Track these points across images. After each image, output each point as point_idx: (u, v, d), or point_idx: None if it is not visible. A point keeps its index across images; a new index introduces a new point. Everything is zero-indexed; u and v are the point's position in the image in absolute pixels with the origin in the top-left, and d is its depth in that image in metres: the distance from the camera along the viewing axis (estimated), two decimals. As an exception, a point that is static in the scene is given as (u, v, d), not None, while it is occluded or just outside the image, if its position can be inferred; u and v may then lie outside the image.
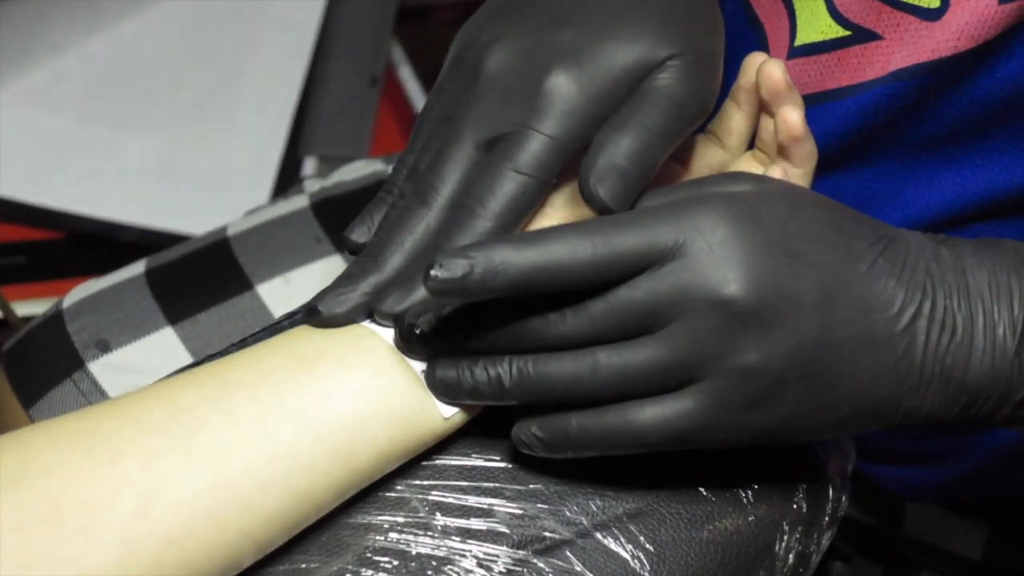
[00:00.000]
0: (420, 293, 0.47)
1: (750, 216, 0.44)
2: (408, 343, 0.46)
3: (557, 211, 0.51)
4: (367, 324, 0.48)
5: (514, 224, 0.48)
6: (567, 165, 0.49)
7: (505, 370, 0.45)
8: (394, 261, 0.49)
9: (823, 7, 0.57)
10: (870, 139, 0.58)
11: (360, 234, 0.51)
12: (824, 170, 0.59)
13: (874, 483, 0.71)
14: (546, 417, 0.46)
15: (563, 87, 0.48)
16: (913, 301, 0.45)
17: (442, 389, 0.46)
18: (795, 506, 0.51)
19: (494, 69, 0.49)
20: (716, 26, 0.51)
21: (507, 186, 0.47)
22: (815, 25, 0.58)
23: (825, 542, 0.53)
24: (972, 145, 0.56)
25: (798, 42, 0.59)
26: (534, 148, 0.47)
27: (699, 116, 0.49)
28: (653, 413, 0.44)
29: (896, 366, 0.45)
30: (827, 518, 0.52)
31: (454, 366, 0.46)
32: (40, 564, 0.38)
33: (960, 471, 0.68)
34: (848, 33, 0.56)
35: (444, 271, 0.42)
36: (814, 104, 0.58)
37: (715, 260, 0.43)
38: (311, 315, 0.48)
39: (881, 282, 0.45)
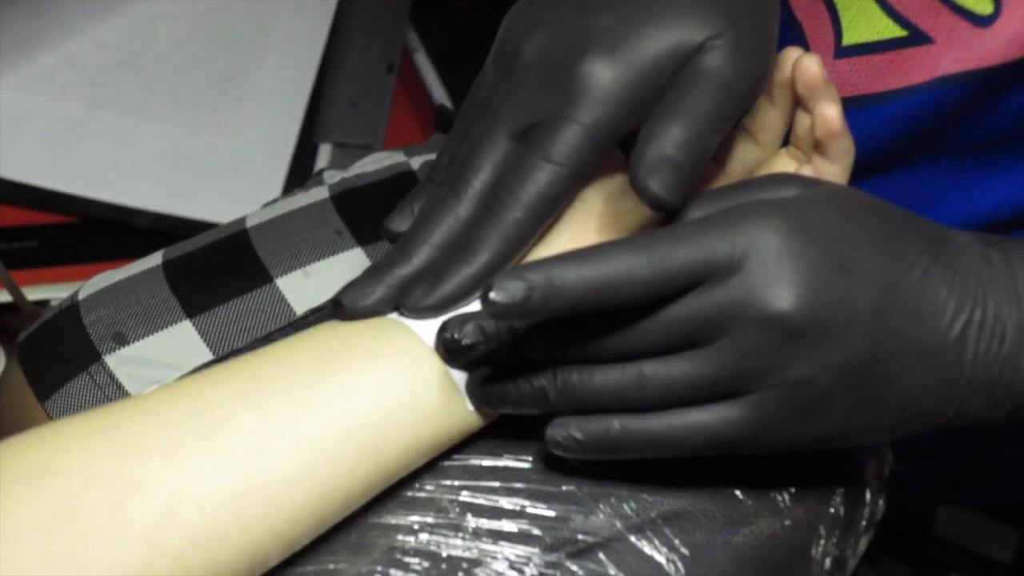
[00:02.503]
0: (448, 287, 0.46)
1: (804, 227, 0.42)
2: (451, 355, 0.45)
3: (595, 206, 0.49)
4: (394, 317, 0.47)
5: (546, 215, 0.47)
6: (602, 154, 0.47)
7: (549, 381, 0.44)
8: (422, 254, 0.48)
9: (874, 5, 0.56)
10: (915, 143, 0.56)
11: (400, 223, 0.50)
12: (868, 173, 0.57)
13: (906, 485, 0.70)
14: (587, 419, 0.44)
15: (597, 74, 0.46)
16: (964, 310, 0.44)
17: (483, 399, 0.45)
18: (832, 510, 0.50)
19: (529, 57, 0.48)
20: (767, 4, 0.50)
21: (539, 176, 0.46)
22: (868, 24, 0.56)
23: (862, 547, 0.52)
24: (1019, 152, 0.55)
25: (847, 41, 0.57)
26: (567, 136, 0.46)
27: (749, 97, 0.48)
28: (698, 420, 0.43)
29: (944, 375, 0.44)
30: (864, 522, 0.51)
31: (497, 377, 0.45)
32: (63, 564, 0.37)
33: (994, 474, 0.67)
34: (905, 33, 0.55)
35: (503, 295, 0.40)
36: (859, 107, 0.57)
37: (768, 278, 0.41)
38: (336, 308, 0.48)
39: (933, 290, 0.43)
